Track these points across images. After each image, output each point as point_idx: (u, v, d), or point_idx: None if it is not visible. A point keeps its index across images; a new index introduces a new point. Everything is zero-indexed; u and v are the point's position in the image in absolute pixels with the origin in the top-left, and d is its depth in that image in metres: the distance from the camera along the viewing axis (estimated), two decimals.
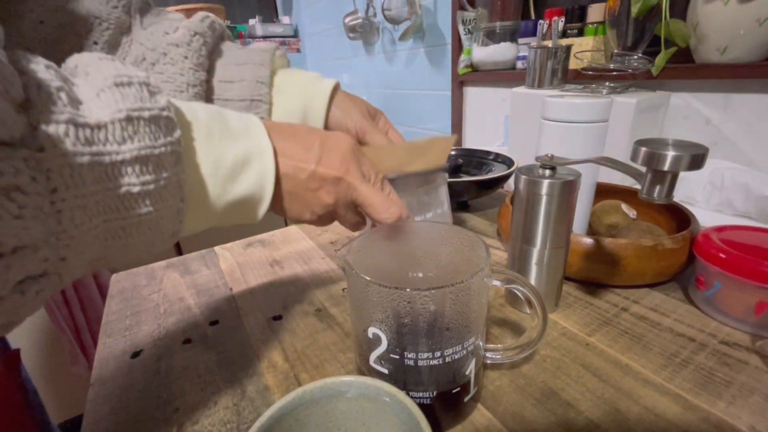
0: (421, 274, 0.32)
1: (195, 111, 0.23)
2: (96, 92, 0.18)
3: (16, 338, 1.12)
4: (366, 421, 0.23)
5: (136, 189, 0.18)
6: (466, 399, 0.27)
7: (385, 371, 0.25)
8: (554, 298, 0.39)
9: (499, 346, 0.30)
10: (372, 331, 0.25)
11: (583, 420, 0.27)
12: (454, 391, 0.26)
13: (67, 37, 0.33)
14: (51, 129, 0.15)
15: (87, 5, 0.33)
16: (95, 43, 0.34)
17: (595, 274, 0.41)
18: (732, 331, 0.35)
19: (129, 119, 0.18)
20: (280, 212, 0.29)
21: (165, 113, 0.19)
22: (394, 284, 0.23)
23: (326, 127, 0.40)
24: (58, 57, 0.33)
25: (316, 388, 0.22)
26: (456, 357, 0.25)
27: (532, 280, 0.38)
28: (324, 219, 0.31)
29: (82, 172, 0.16)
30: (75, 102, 0.17)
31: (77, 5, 0.33)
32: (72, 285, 1.12)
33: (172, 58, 0.35)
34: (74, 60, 0.20)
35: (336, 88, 0.41)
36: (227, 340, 0.38)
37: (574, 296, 0.41)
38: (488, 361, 0.30)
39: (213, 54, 0.38)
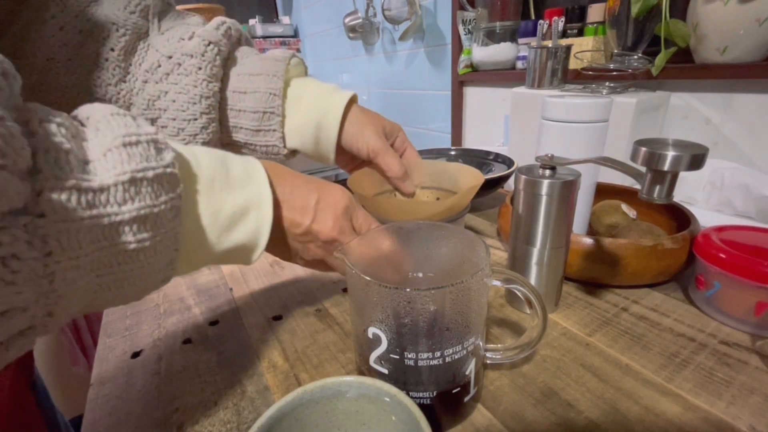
0: (421, 274, 0.32)
1: (199, 161, 0.23)
2: (103, 152, 0.18)
3: None
4: (366, 422, 0.23)
5: (132, 246, 0.19)
6: (466, 399, 0.27)
7: (385, 371, 0.25)
8: (554, 298, 0.39)
9: (499, 346, 0.30)
10: (372, 331, 0.25)
11: (583, 420, 0.27)
12: (454, 391, 0.26)
13: (87, 42, 0.33)
14: (54, 195, 0.15)
15: (105, 11, 0.33)
16: (112, 49, 0.34)
17: (595, 274, 0.41)
18: (732, 331, 0.35)
19: (132, 181, 0.18)
20: (272, 254, 0.31)
21: (169, 170, 0.19)
22: (394, 284, 0.23)
23: (339, 143, 0.40)
24: (79, 62, 0.33)
25: (316, 388, 0.22)
26: (456, 357, 0.25)
27: (532, 280, 0.38)
28: (314, 265, 0.32)
29: (80, 234, 0.16)
30: (82, 163, 0.17)
31: (96, 11, 0.33)
32: None
33: (185, 69, 0.35)
34: (87, 111, 0.20)
35: (351, 103, 0.39)
36: (227, 340, 0.38)
37: (574, 296, 0.41)
38: (488, 361, 0.30)
39: (228, 61, 0.38)
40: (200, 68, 0.35)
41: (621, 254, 0.39)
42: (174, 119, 0.36)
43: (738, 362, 0.31)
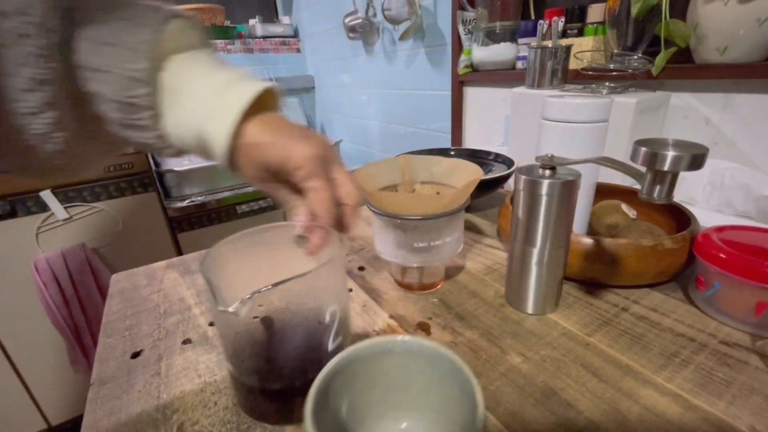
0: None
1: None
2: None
3: (15, 338, 1.12)
4: (411, 376, 0.24)
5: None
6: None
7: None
8: (554, 298, 0.39)
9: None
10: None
11: (583, 420, 0.27)
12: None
13: None
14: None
15: None
16: None
17: (595, 274, 0.41)
18: (732, 331, 0.35)
19: None
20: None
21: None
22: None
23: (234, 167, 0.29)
24: None
25: (367, 344, 0.24)
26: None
27: (532, 280, 0.38)
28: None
29: None
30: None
31: None
32: (72, 285, 1.12)
33: (11, 36, 0.22)
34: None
35: (258, 102, 0.27)
36: None
37: (574, 296, 0.41)
38: None
39: (74, 12, 0.24)
40: (28, 35, 0.22)
41: (621, 254, 0.39)
42: (14, 114, 0.24)
43: (738, 362, 0.31)
